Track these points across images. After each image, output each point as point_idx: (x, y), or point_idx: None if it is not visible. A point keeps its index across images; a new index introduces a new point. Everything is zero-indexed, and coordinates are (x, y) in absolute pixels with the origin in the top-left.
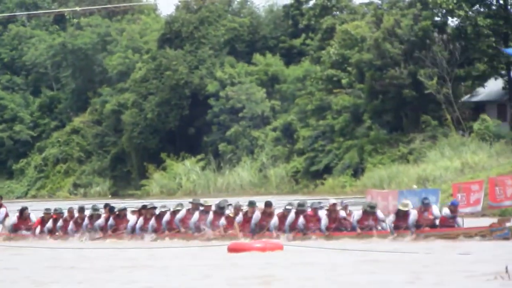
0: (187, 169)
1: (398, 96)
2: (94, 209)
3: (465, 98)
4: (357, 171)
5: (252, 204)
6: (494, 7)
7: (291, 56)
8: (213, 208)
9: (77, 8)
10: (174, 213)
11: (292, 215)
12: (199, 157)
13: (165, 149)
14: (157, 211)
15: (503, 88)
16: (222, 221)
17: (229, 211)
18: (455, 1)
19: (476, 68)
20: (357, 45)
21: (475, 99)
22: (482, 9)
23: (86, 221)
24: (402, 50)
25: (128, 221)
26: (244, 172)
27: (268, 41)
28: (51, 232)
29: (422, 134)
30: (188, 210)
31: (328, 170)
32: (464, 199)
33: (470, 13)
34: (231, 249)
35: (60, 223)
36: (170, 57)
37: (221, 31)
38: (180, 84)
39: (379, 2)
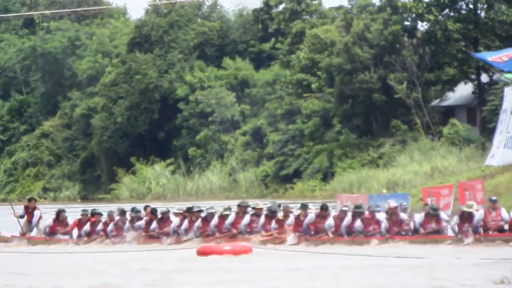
0: (156, 173)
1: (368, 100)
2: (136, 211)
3: (435, 102)
4: (327, 176)
5: (304, 207)
6: (463, 12)
7: (260, 60)
8: (264, 211)
9: (47, 12)
10: (223, 216)
11: (348, 218)
12: (168, 161)
13: (135, 153)
14: (203, 214)
15: (473, 92)
16: (273, 224)
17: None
18: (425, 6)
19: (446, 73)
20: (327, 49)
21: (445, 103)
22: (452, 14)
23: (128, 224)
24: (372, 54)
25: (171, 223)
26: (214, 176)
27: (238, 45)
28: (89, 235)
29: (392, 139)
30: (237, 214)
31: (297, 174)
32: (433, 204)
33: (440, 17)
34: (200, 252)
35: (100, 226)
36: (140, 61)
37: (190, 35)
38: (150, 88)
39: (349, 6)
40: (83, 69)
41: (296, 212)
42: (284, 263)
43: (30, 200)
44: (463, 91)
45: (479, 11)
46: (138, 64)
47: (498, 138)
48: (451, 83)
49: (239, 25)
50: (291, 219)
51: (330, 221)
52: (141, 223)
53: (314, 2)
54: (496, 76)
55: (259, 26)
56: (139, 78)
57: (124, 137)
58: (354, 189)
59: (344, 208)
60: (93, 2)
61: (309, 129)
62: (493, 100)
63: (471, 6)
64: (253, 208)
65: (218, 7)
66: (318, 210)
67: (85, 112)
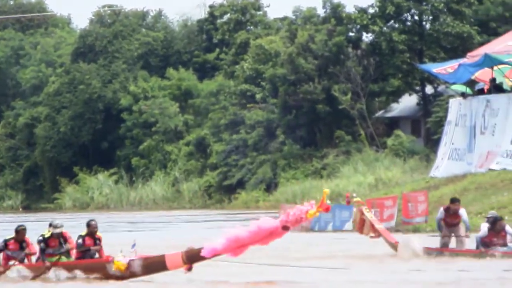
0: (99, 183)
1: (311, 111)
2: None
3: (379, 113)
4: (270, 186)
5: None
6: (409, 23)
7: (204, 71)
8: None
9: None
10: None
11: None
12: (112, 171)
13: (78, 163)
14: None
15: (418, 104)
16: None
17: None
18: (369, 17)
19: (390, 84)
20: (271, 60)
21: (389, 114)
22: (396, 25)
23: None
24: (316, 65)
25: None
26: (157, 187)
27: (182, 56)
28: None
29: (336, 150)
30: None
31: (241, 184)
32: (377, 215)
33: (385, 28)
34: None
35: None
36: (84, 71)
37: (134, 45)
38: (94, 98)
39: (293, 17)
40: (26, 78)
41: None
42: None
43: None
44: (408, 102)
45: (424, 23)
46: (82, 74)
47: (443, 149)
48: (396, 94)
49: (183, 35)
50: None
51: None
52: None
53: (258, 13)
54: (441, 88)
55: (204, 37)
56: (83, 88)
57: (68, 146)
58: (297, 200)
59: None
60: (37, 11)
61: (252, 139)
62: (438, 111)
63: (416, 17)
64: None
65: (162, 17)
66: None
67: (29, 122)
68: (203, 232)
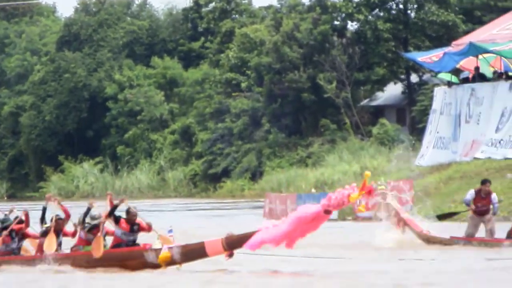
0: (85, 171)
1: (297, 100)
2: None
3: (364, 102)
4: (255, 175)
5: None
6: (394, 12)
7: (190, 59)
8: None
9: None
10: None
11: None
12: (97, 159)
13: (63, 152)
14: None
15: (403, 92)
16: None
17: None
18: (354, 5)
19: (375, 73)
20: (256, 48)
21: (374, 103)
22: (381, 14)
23: None
24: (301, 54)
25: None
26: (142, 175)
27: (167, 44)
28: None
29: (321, 138)
30: None
31: (226, 173)
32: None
33: (370, 17)
34: None
35: None
36: (69, 59)
37: (120, 34)
38: (79, 87)
39: (278, 6)
40: (11, 67)
41: None
42: None
43: None
44: (393, 91)
45: (409, 11)
46: (67, 62)
47: (428, 138)
48: (381, 83)
49: (168, 24)
50: None
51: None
52: None
53: (243, 1)
54: (426, 77)
55: (189, 25)
56: (68, 76)
57: (53, 135)
58: (282, 188)
59: None
60: (22, 0)
61: (238, 128)
62: (423, 100)
63: (401, 6)
64: None
65: (147, 5)
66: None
67: (14, 110)
68: (197, 221)
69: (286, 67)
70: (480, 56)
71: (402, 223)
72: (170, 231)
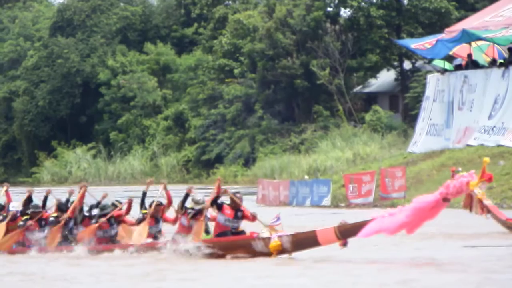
0: (78, 157)
1: (290, 86)
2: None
3: (357, 89)
4: (248, 161)
5: None
6: None
7: (183, 45)
8: None
9: None
10: None
11: None
12: (90, 145)
13: (56, 137)
14: None
15: (395, 79)
16: None
17: None
18: None
19: (368, 59)
20: (249, 34)
21: (367, 90)
22: (374, 0)
23: None
24: (294, 40)
25: None
26: (135, 161)
27: (160, 30)
28: None
29: (314, 125)
30: None
31: (219, 159)
32: (355, 190)
33: (363, 3)
34: None
35: None
36: (62, 45)
37: (113, 20)
38: (72, 72)
39: None
40: (4, 52)
41: None
42: None
43: None
44: (386, 78)
45: None
46: (60, 48)
47: (421, 125)
48: (374, 70)
49: (161, 9)
50: None
51: None
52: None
53: None
54: (419, 63)
55: (182, 11)
56: (61, 62)
57: (46, 120)
58: (275, 175)
59: None
60: None
61: (231, 114)
62: (416, 87)
63: None
64: None
65: None
66: None
67: (7, 96)
68: None
69: (279, 53)
70: (474, 44)
71: (486, 209)
72: (278, 219)
